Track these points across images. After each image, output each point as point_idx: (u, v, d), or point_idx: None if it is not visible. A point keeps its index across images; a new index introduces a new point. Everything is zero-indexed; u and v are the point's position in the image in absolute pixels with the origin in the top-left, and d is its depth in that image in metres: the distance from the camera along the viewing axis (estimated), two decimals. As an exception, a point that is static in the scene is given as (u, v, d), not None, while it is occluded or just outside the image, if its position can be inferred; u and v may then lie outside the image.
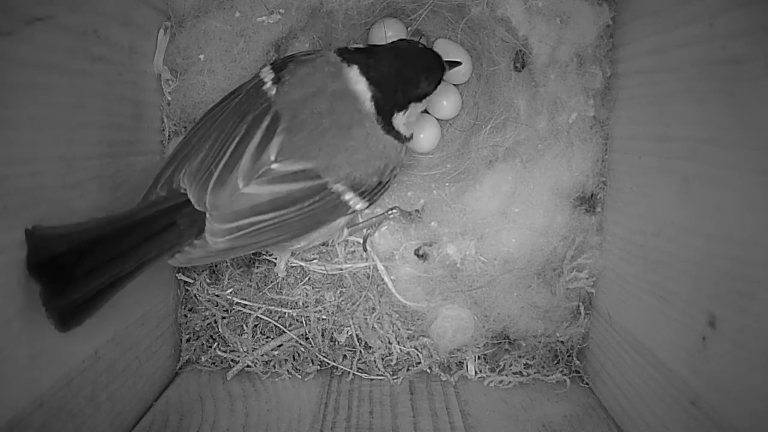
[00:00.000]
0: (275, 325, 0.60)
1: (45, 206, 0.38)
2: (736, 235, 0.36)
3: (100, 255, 0.38)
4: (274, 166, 0.43)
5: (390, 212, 0.58)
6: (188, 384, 0.58)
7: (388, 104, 0.47)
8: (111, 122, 0.47)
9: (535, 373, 0.59)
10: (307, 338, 0.60)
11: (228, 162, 0.43)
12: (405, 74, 0.48)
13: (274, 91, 0.46)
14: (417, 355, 0.60)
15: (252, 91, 0.46)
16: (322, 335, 0.60)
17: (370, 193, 0.49)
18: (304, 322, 0.60)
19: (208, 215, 0.43)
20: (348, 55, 0.47)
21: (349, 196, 0.47)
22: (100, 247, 0.38)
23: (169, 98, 0.56)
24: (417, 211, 0.59)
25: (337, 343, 0.60)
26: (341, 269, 0.59)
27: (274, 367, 0.60)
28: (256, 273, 0.60)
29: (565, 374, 0.59)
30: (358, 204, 0.48)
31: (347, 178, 0.46)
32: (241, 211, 0.43)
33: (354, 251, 0.59)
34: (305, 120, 0.45)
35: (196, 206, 0.43)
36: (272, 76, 0.47)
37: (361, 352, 0.60)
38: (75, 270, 0.37)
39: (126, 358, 0.49)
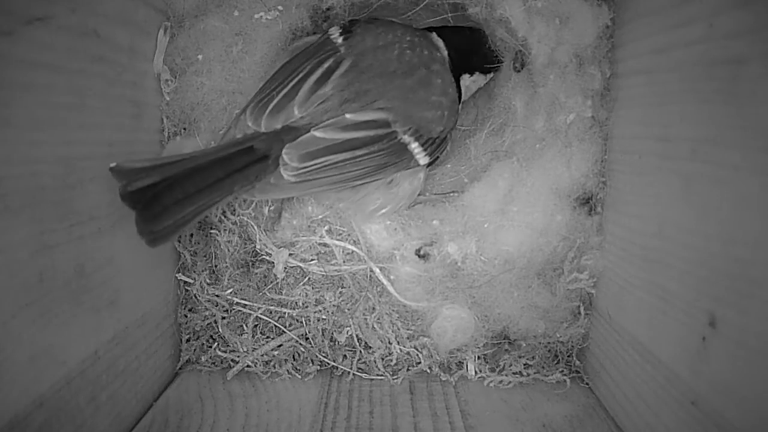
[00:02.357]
0: (275, 325, 0.60)
1: (45, 206, 0.38)
2: (736, 235, 0.36)
3: (188, 187, 0.42)
4: (348, 115, 0.48)
5: (452, 193, 0.62)
6: (188, 384, 0.57)
7: (461, 63, 0.57)
8: (111, 122, 0.47)
9: (535, 373, 0.59)
10: (307, 338, 0.60)
11: (288, 92, 0.48)
12: (479, 47, 0.59)
13: (341, 41, 0.52)
14: (417, 355, 0.59)
15: (319, 42, 0.52)
16: (322, 335, 0.60)
17: (432, 146, 0.53)
18: (304, 322, 0.60)
19: (283, 152, 0.46)
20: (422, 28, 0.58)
21: (414, 146, 0.51)
22: (188, 180, 0.43)
23: (168, 99, 0.56)
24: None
25: (337, 343, 0.60)
26: (339, 270, 0.59)
27: (274, 367, 0.60)
28: (256, 273, 0.60)
29: (565, 374, 0.59)
30: (421, 156, 0.52)
31: (414, 122, 0.50)
32: (316, 151, 0.47)
33: (352, 252, 0.59)
34: (372, 64, 0.50)
35: (250, 125, 0.47)
36: (340, 32, 0.53)
37: (361, 352, 0.60)
38: (166, 199, 0.41)
39: (126, 358, 0.49)
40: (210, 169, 0.44)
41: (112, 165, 0.40)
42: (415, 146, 0.51)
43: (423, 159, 0.52)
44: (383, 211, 0.55)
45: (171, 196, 0.41)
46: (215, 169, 0.44)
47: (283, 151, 0.46)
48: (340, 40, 0.52)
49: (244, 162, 0.45)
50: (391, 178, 0.53)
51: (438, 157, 0.56)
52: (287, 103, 0.48)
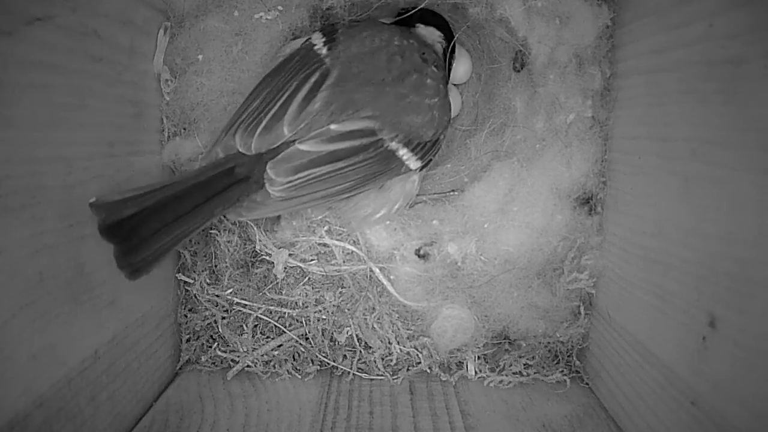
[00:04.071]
0: (275, 325, 0.60)
1: (45, 206, 0.38)
2: (736, 235, 0.36)
3: (166, 215, 0.41)
4: (333, 126, 0.47)
5: (451, 192, 0.61)
6: (188, 384, 0.57)
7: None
8: (111, 122, 0.47)
9: (535, 373, 0.59)
10: (307, 338, 0.60)
11: (276, 112, 0.47)
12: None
13: (325, 51, 0.50)
14: (417, 355, 0.60)
15: (303, 53, 0.51)
16: (322, 335, 0.60)
17: (423, 150, 0.51)
18: (304, 322, 0.60)
19: (268, 168, 0.45)
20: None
21: (403, 152, 0.50)
22: (166, 209, 0.42)
23: (168, 99, 0.56)
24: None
25: (337, 343, 0.60)
26: (339, 270, 0.59)
27: (274, 367, 0.60)
28: (256, 273, 0.60)
29: (565, 374, 0.59)
30: (411, 161, 0.51)
31: (402, 128, 0.49)
32: (300, 165, 0.46)
33: (352, 252, 0.59)
34: (360, 72, 0.49)
35: (240, 149, 0.46)
36: (323, 39, 0.51)
37: (361, 352, 0.60)
38: (144, 230, 0.40)
39: (126, 358, 0.49)
40: (189, 195, 0.43)
41: (92, 200, 0.39)
42: (404, 152, 0.50)
43: (414, 164, 0.51)
44: (377, 216, 0.55)
45: (149, 227, 0.41)
46: (195, 194, 0.43)
47: (267, 167, 0.45)
48: (324, 50, 0.50)
49: (224, 184, 0.44)
50: (382, 185, 0.52)
51: (431, 159, 0.54)
52: (276, 123, 0.46)
